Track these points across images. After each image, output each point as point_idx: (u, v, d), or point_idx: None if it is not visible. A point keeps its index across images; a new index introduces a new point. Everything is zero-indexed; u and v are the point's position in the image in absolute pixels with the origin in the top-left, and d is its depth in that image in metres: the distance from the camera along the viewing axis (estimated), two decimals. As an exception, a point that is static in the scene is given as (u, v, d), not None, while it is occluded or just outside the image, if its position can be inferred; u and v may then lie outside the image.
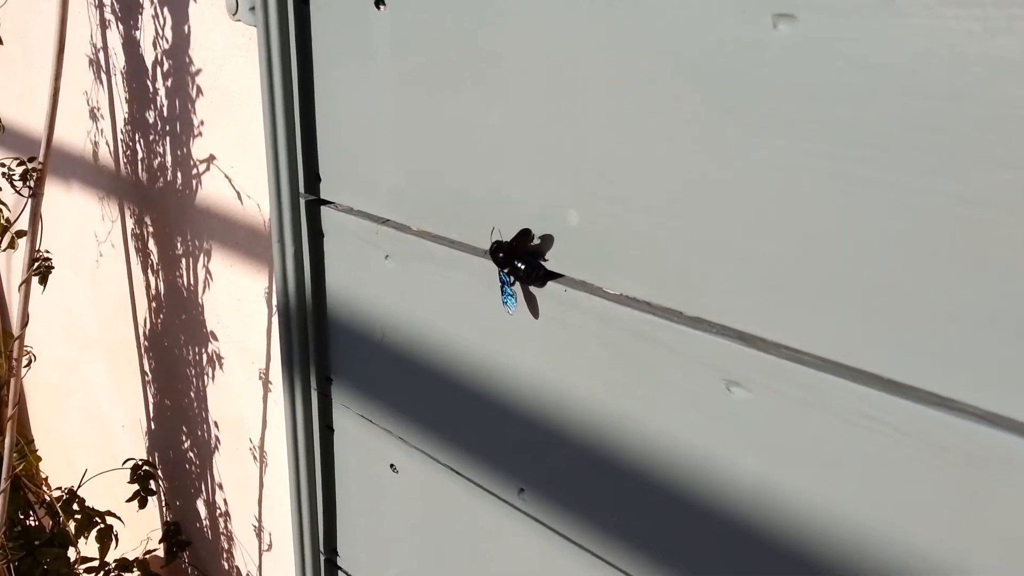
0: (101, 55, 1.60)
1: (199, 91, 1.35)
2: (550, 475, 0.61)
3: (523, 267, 0.57)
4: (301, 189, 0.74)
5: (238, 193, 1.33)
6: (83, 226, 1.85)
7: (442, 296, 0.65)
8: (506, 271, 0.58)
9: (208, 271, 1.48)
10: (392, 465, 0.76)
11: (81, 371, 2.15)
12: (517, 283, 0.58)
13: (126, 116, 1.57)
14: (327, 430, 0.83)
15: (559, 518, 0.61)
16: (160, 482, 1.92)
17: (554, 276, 0.57)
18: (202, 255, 1.49)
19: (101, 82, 1.62)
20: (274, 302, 1.33)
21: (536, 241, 0.57)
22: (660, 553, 0.54)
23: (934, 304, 0.39)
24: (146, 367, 1.83)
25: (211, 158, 1.37)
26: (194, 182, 1.43)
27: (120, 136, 1.62)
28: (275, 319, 1.34)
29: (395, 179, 0.66)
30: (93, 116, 1.69)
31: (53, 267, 1.29)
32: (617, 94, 0.49)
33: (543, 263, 0.57)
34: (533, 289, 0.58)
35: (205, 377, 1.61)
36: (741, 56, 0.42)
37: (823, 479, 0.45)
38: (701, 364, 0.49)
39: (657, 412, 0.52)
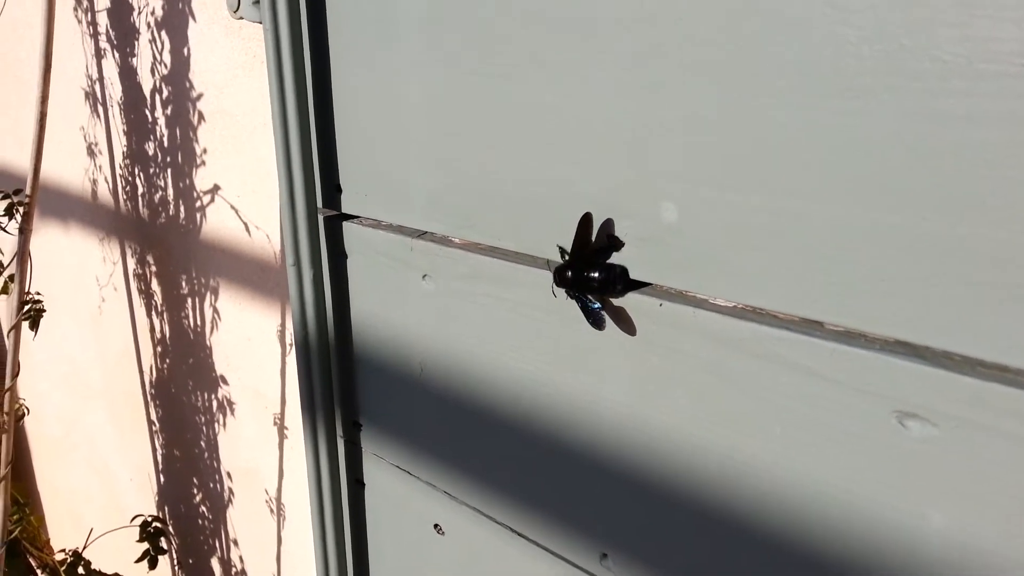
0: (97, 87, 1.52)
1: (201, 117, 1.26)
2: (643, 537, 0.49)
3: (598, 275, 0.46)
4: (319, 203, 0.63)
5: (245, 224, 1.23)
6: (83, 271, 1.76)
7: (495, 320, 0.54)
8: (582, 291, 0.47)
9: (216, 310, 1.38)
10: (436, 525, 0.64)
11: (85, 423, 2.04)
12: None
13: (125, 149, 1.48)
14: (357, 484, 0.71)
15: (656, 591, 0.49)
16: (171, 539, 1.81)
17: (638, 285, 0.46)
18: (209, 293, 1.39)
19: (98, 115, 1.54)
20: (288, 339, 1.22)
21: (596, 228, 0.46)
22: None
23: None
24: (153, 416, 1.72)
25: (215, 188, 1.27)
26: (198, 215, 1.33)
27: (119, 171, 1.53)
28: (290, 359, 1.23)
29: (432, 182, 0.55)
30: (91, 152, 1.61)
31: (44, 310, 1.19)
32: (729, 47, 0.38)
33: (618, 263, 0.46)
34: (616, 302, 0.47)
35: (216, 425, 1.50)
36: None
37: (1061, 544, 0.32)
38: (859, 392, 0.37)
39: (796, 457, 0.40)
